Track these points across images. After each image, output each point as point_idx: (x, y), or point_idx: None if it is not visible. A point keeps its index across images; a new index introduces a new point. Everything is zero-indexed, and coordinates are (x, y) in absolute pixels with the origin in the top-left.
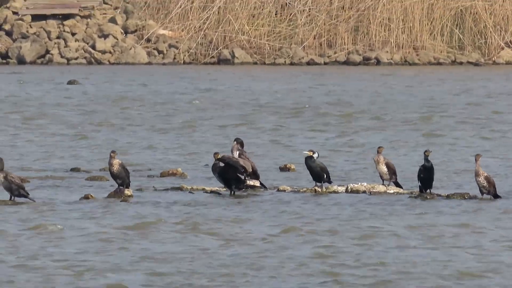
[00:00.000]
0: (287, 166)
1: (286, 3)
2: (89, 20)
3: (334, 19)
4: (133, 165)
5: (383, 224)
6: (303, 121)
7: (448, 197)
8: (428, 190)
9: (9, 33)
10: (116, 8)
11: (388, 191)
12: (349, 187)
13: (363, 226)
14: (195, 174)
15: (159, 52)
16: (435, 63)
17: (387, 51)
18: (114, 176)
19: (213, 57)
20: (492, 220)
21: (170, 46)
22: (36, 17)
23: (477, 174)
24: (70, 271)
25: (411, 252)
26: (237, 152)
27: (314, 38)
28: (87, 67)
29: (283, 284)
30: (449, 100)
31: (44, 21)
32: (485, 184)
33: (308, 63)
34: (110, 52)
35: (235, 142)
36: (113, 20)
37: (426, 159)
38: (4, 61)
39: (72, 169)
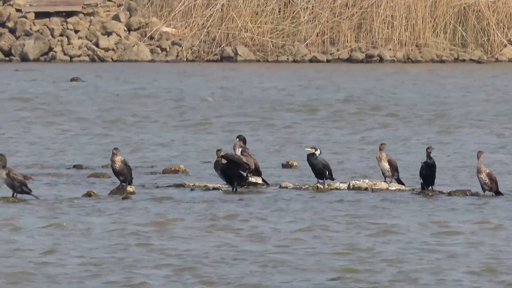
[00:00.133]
0: (290, 162)
1: (289, 1)
2: (92, 17)
3: (337, 16)
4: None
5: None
6: (315, 118)
7: (450, 194)
8: (430, 187)
9: (12, 31)
10: (119, 5)
11: (390, 188)
12: (351, 184)
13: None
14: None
15: (162, 49)
16: (437, 61)
17: (390, 49)
18: (116, 173)
19: (216, 54)
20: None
21: (173, 43)
22: (39, 15)
23: (479, 171)
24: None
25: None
26: (240, 149)
27: (317, 35)
28: (90, 64)
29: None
30: (461, 97)
31: (47, 19)
32: (487, 181)
33: (311, 61)
34: (113, 50)
35: (237, 139)
36: (116, 18)
37: (428, 156)
38: (7, 58)
39: (75, 166)
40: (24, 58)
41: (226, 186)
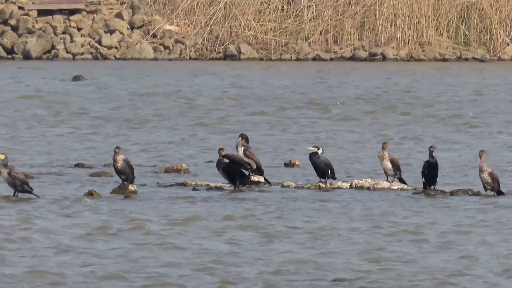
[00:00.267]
0: (292, 161)
1: None
2: (95, 15)
3: (340, 14)
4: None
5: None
6: (330, 117)
7: (452, 193)
8: (432, 186)
9: (14, 28)
10: (122, 3)
11: (392, 187)
12: (353, 183)
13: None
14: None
15: (165, 47)
16: (440, 59)
17: (393, 47)
18: (118, 172)
19: (219, 52)
20: None
21: (176, 41)
22: (42, 12)
23: (481, 170)
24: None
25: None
26: (242, 148)
27: (320, 33)
28: (93, 62)
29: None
30: (476, 96)
31: (50, 16)
32: (489, 180)
33: (314, 59)
34: (116, 48)
35: (240, 138)
36: (119, 16)
37: (430, 155)
38: (10, 56)
39: (77, 165)
40: (26, 56)
41: (229, 185)
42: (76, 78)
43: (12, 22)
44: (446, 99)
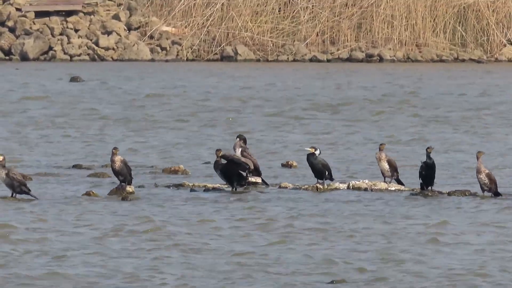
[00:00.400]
0: (289, 162)
1: (289, 0)
2: (92, 16)
3: (337, 16)
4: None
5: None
6: (338, 118)
7: (449, 194)
8: (429, 188)
9: (12, 30)
10: (119, 4)
11: (389, 188)
12: (350, 185)
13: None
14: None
15: (162, 48)
16: (437, 60)
17: (390, 48)
18: (116, 172)
19: (216, 54)
20: None
21: (173, 42)
22: (39, 14)
23: (478, 171)
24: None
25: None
26: (240, 149)
27: (317, 35)
28: (90, 63)
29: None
30: (483, 98)
31: (47, 18)
32: (486, 181)
33: (311, 60)
34: (113, 49)
35: (238, 139)
36: (116, 17)
37: (428, 156)
38: (7, 57)
39: (74, 166)
40: (24, 57)
41: (226, 186)
42: (73, 79)
43: (10, 23)
44: (453, 100)
